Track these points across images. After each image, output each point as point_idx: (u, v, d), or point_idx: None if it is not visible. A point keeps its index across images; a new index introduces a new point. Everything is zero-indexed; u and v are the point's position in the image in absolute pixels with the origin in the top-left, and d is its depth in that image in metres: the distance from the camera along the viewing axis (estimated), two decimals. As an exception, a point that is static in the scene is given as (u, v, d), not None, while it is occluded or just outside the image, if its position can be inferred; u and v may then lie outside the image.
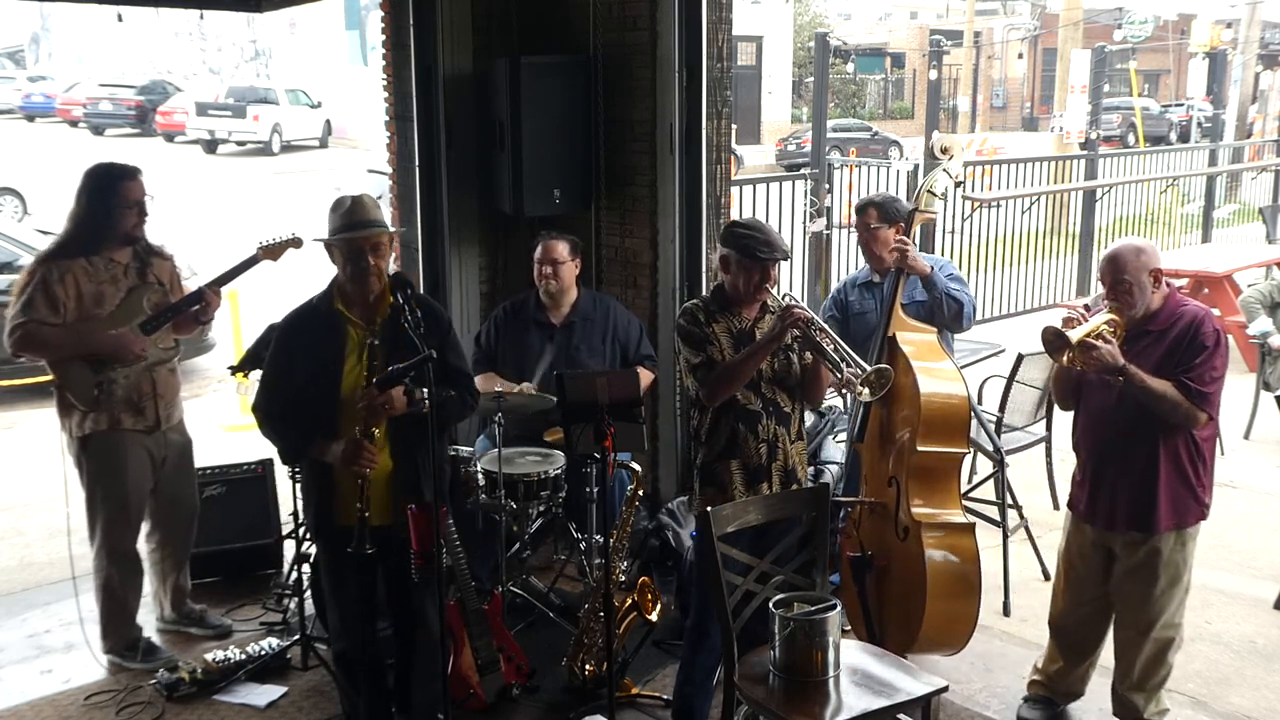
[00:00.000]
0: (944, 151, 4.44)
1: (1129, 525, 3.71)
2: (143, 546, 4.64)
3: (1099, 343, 3.51)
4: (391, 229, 3.89)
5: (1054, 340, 3.55)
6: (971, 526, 4.10)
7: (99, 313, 4.22)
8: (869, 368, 3.66)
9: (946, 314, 4.47)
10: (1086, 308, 3.77)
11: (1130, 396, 3.59)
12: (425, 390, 3.36)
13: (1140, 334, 3.65)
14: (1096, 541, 3.83)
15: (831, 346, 3.69)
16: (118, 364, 4.23)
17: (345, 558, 3.57)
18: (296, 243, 4.54)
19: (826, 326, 3.77)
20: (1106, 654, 3.97)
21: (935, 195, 4.41)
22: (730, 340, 3.73)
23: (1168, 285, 3.70)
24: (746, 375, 3.68)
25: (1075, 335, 3.52)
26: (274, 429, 3.62)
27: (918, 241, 4.57)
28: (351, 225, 3.51)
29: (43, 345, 4.21)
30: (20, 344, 4.18)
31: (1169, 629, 3.77)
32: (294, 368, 3.54)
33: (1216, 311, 8.78)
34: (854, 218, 4.84)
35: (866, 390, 3.64)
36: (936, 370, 4.09)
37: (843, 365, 3.66)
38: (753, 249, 3.66)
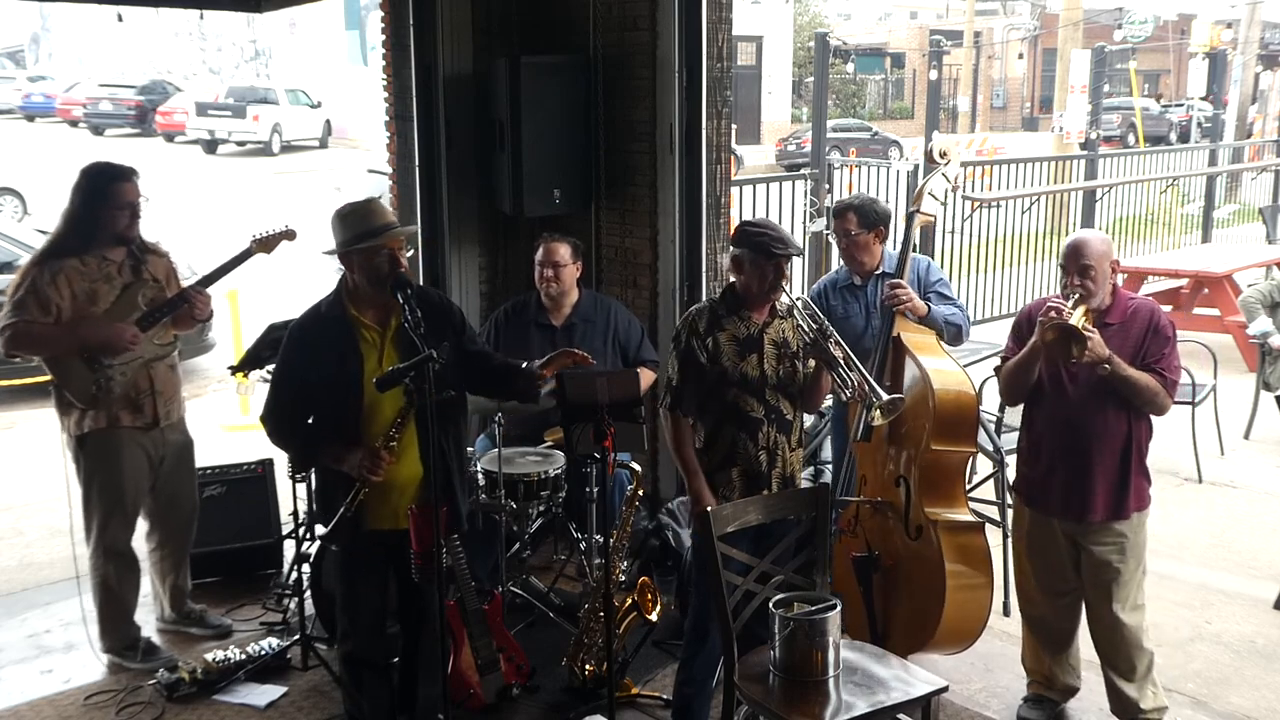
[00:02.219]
0: (942, 156, 4.43)
1: (1106, 515, 3.77)
2: (142, 546, 4.63)
3: (1089, 333, 3.55)
4: (406, 228, 3.88)
5: (1061, 338, 3.54)
6: (981, 525, 4.13)
7: (94, 310, 4.22)
8: (885, 396, 3.68)
9: (946, 339, 4.40)
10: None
11: (1098, 391, 3.67)
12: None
13: (1100, 325, 3.69)
14: (1064, 532, 3.88)
15: (842, 355, 3.68)
16: (111, 355, 4.21)
17: (363, 560, 3.57)
18: (290, 235, 4.54)
19: (844, 343, 3.75)
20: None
21: (937, 200, 4.40)
22: (735, 348, 3.70)
23: (1118, 279, 3.83)
24: (682, 464, 3.76)
25: (1075, 320, 3.53)
26: (284, 437, 3.60)
27: (917, 244, 4.54)
28: (372, 232, 3.46)
29: (34, 342, 4.21)
30: (11, 343, 4.18)
31: (1137, 610, 3.85)
32: (306, 375, 3.50)
33: (1215, 311, 8.90)
34: (831, 222, 4.79)
35: (879, 413, 3.69)
36: (946, 370, 4.10)
37: (850, 381, 3.66)
38: (767, 245, 3.65)
